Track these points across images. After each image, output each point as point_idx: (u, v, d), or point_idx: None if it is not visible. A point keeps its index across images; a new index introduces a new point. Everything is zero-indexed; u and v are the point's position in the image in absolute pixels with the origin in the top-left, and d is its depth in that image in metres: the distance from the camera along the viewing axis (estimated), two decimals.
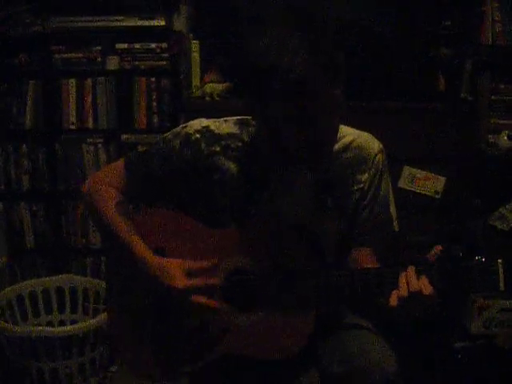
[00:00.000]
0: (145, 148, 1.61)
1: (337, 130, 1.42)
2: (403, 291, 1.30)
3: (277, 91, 1.28)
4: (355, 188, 1.53)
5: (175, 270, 1.43)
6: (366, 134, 1.56)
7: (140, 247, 1.48)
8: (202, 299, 1.42)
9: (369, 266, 1.54)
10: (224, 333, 1.47)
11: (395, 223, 1.61)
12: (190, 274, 1.43)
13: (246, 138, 1.53)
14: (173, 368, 1.52)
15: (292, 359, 1.44)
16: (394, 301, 1.31)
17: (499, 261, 1.30)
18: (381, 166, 1.54)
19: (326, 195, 1.52)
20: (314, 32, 1.29)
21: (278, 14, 1.34)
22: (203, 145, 1.52)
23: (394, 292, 1.32)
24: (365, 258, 1.55)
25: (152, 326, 1.53)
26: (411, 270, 1.32)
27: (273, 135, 1.39)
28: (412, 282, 1.30)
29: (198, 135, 1.52)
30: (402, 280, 1.32)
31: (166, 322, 1.51)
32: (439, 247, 1.37)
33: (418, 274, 1.31)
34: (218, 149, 1.52)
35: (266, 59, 1.27)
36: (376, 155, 1.53)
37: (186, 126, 1.55)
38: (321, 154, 1.40)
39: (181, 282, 1.41)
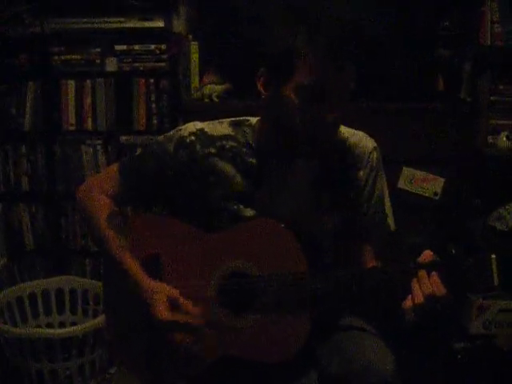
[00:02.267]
0: (139, 152, 1.61)
1: (341, 121, 1.43)
2: (418, 298, 1.32)
3: (310, 60, 1.32)
4: (351, 186, 1.54)
5: (160, 299, 1.41)
6: (359, 132, 1.57)
7: (131, 265, 1.47)
8: (182, 336, 1.41)
9: (369, 263, 1.56)
10: (220, 336, 1.46)
11: (391, 221, 1.61)
12: (174, 306, 1.41)
13: (241, 139, 1.53)
14: (169, 372, 1.52)
15: (290, 361, 1.44)
16: (409, 307, 1.32)
17: (492, 256, 1.31)
18: (375, 164, 1.55)
19: (323, 193, 1.52)
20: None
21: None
22: (198, 147, 1.52)
23: (408, 298, 1.33)
24: (364, 256, 1.58)
25: (146, 331, 1.51)
26: (422, 274, 1.33)
27: (281, 118, 1.39)
28: (425, 286, 1.32)
29: (192, 137, 1.52)
30: (415, 285, 1.33)
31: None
32: (428, 253, 1.38)
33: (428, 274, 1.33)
34: (213, 150, 1.52)
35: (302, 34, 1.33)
36: (370, 153, 1.55)
37: (180, 129, 1.55)
38: (324, 139, 1.40)
39: (162, 313, 1.40)
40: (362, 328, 1.56)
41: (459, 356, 2.59)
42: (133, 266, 1.47)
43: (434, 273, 1.33)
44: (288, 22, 1.38)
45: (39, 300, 2.81)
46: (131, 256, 1.48)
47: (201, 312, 1.42)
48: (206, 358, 1.46)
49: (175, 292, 1.43)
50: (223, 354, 1.47)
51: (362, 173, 1.54)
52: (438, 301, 1.32)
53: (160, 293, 1.42)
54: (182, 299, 1.42)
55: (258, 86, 1.45)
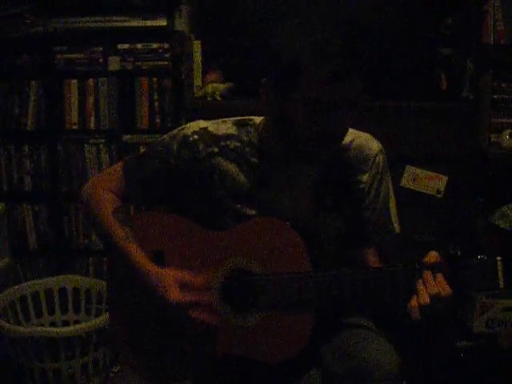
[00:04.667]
0: (143, 150, 1.60)
1: (347, 125, 1.41)
2: (423, 298, 1.32)
3: (315, 70, 1.29)
4: (355, 188, 1.53)
5: (170, 282, 1.41)
6: (365, 134, 1.56)
7: (137, 255, 1.47)
8: (198, 314, 1.40)
9: (372, 264, 1.56)
10: (222, 335, 1.46)
11: (396, 224, 1.60)
12: (184, 286, 1.41)
13: (244, 139, 1.52)
14: (173, 370, 1.52)
15: (293, 359, 1.44)
16: (414, 307, 1.33)
17: (498, 258, 1.31)
18: (381, 167, 1.54)
19: (326, 195, 1.52)
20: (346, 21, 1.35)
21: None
22: (201, 146, 1.51)
23: (414, 299, 1.33)
24: (368, 257, 1.58)
25: (151, 329, 1.52)
26: (428, 274, 1.33)
27: (285, 125, 1.38)
28: (430, 287, 1.32)
29: (196, 136, 1.52)
30: (421, 286, 1.33)
31: (165, 326, 1.50)
32: (434, 254, 1.37)
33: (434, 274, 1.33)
34: (216, 150, 1.51)
35: (305, 39, 1.30)
36: (376, 155, 1.53)
37: (183, 128, 1.55)
38: (329, 146, 1.38)
39: (174, 295, 1.40)
40: (365, 326, 1.56)
41: (462, 355, 2.59)
42: (139, 255, 1.46)
43: (439, 273, 1.33)
44: (292, 34, 1.34)
45: (42, 299, 2.81)
46: (138, 247, 1.48)
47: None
48: (208, 356, 1.46)
49: (183, 273, 1.43)
50: (226, 353, 1.47)
51: (366, 176, 1.53)
52: (444, 301, 1.32)
53: (169, 276, 1.42)
54: (190, 278, 1.42)
55: (261, 93, 1.43)
